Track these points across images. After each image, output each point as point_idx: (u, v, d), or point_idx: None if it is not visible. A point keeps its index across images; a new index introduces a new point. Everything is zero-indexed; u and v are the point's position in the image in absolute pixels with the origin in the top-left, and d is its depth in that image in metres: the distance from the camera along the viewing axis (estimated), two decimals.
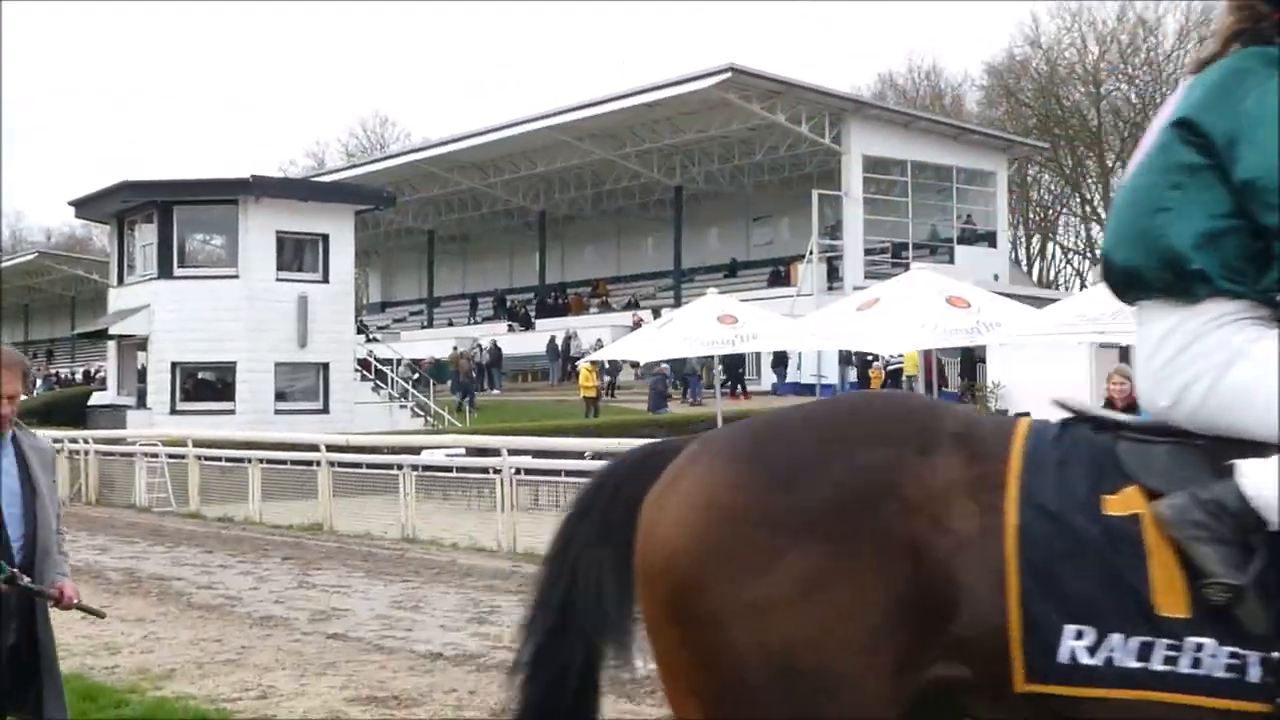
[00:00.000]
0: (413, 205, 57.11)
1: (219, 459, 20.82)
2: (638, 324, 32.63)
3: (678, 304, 39.10)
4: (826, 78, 57.16)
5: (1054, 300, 26.98)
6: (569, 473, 16.26)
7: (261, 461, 19.71)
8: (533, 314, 53.38)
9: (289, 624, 10.72)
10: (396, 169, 53.84)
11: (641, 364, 33.65)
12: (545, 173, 51.66)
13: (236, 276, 32.58)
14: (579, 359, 38.59)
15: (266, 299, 32.35)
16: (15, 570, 4.53)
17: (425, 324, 59.76)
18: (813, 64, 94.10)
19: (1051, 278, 62.56)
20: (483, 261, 62.69)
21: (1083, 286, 49.38)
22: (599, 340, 38.16)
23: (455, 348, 45.34)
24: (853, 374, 36.67)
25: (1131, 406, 11.09)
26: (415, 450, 18.47)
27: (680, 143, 46.66)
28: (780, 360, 37.22)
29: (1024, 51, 58.98)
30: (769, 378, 38.45)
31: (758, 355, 35.40)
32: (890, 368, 34.34)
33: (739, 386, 36.71)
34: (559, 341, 45.19)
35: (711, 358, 26.54)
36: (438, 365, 43.12)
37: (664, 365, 32.92)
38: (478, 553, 15.16)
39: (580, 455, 16.58)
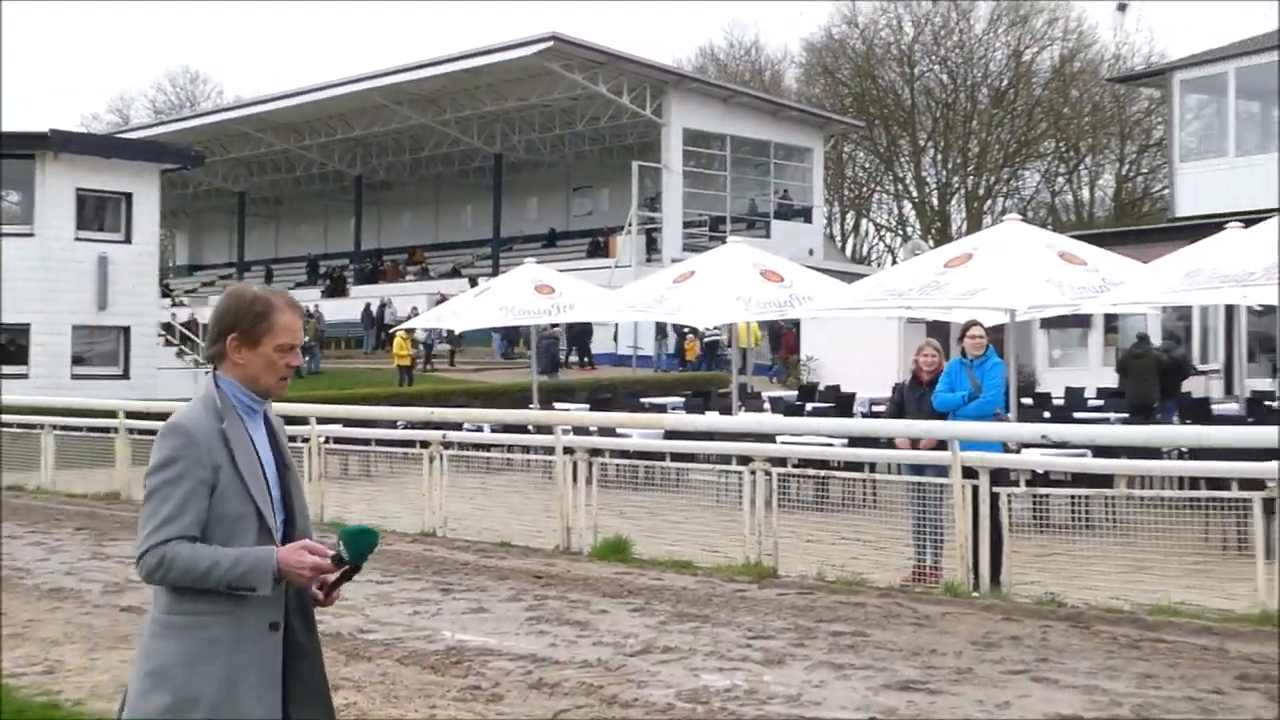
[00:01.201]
0: (223, 166, 55.53)
1: (9, 425, 19.88)
2: (441, 299, 32.37)
3: (495, 273, 38.85)
4: (649, 50, 57.20)
5: (866, 275, 27.50)
6: (380, 442, 16.00)
7: (55, 428, 18.87)
8: (349, 280, 52.39)
9: (80, 596, 10.28)
10: (206, 127, 52.26)
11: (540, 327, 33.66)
12: (362, 136, 50.67)
13: (32, 235, 31.15)
14: (394, 327, 38.00)
15: (64, 259, 30.99)
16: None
17: None
18: (636, 36, 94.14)
19: (865, 253, 63.84)
20: (296, 226, 61.30)
21: (894, 262, 50.52)
22: (414, 308, 37.60)
23: None
24: (670, 345, 36.86)
25: (936, 379, 11.33)
26: None
27: (501, 110, 46.24)
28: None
29: (842, 31, 59.91)
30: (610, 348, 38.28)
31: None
32: (707, 339, 34.59)
33: (585, 358, 36.59)
34: (374, 309, 44.49)
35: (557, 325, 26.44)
36: None
37: (556, 328, 32.90)
38: None
39: (393, 424, 16.31)
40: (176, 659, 3.50)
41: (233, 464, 3.55)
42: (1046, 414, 18.55)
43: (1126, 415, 18.53)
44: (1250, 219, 16.66)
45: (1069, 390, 23.14)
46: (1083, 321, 27.42)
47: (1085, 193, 60.65)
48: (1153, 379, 20.36)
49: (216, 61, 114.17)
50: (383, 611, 9.56)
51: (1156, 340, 22.73)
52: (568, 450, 12.84)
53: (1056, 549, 10.66)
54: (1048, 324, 27.67)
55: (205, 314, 43.37)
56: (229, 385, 3.65)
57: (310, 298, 48.59)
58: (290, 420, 16.80)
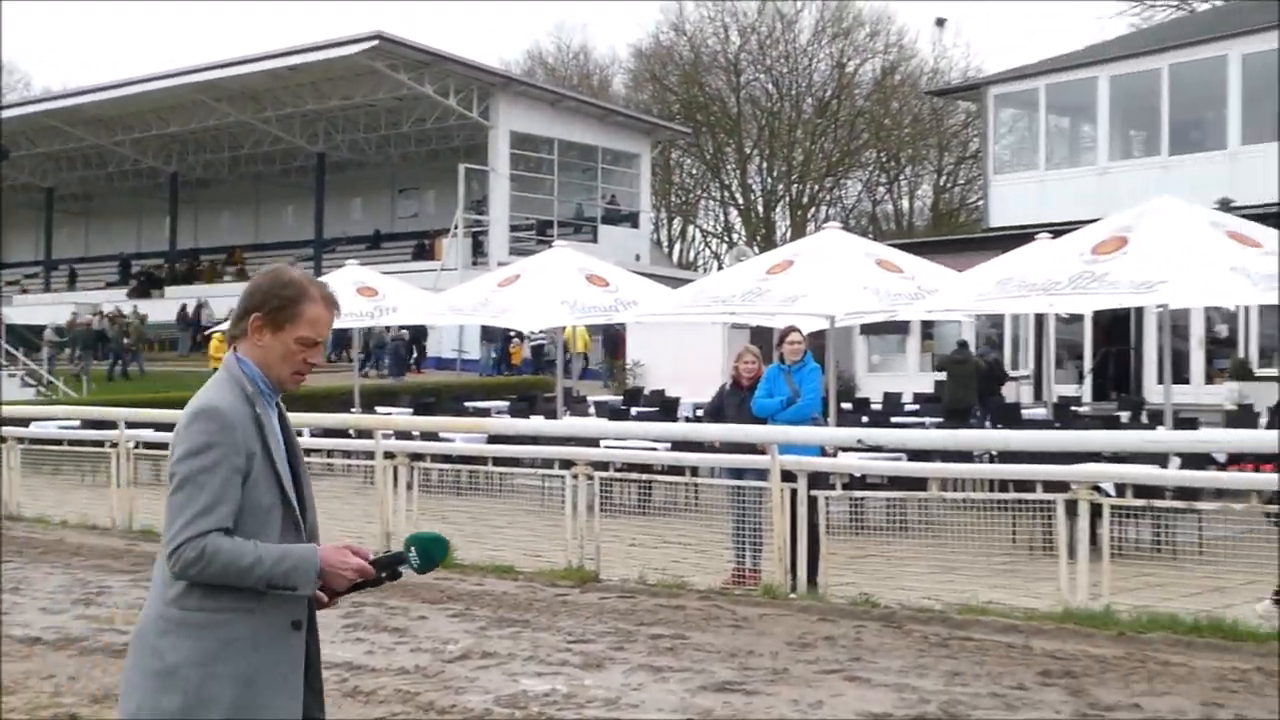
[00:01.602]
0: (30, 160, 53.50)
1: None
2: None
3: (318, 274, 38.05)
4: (477, 52, 56.94)
5: (692, 281, 27.75)
6: None
7: None
8: (163, 280, 50.93)
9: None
10: (12, 120, 50.20)
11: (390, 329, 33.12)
12: (179, 133, 49.31)
13: None
14: (210, 329, 37.04)
15: None
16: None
17: (44, 288, 56.11)
18: (464, 38, 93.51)
19: (691, 259, 64.44)
20: (108, 224, 59.36)
21: (720, 269, 51.12)
22: (232, 310, 36.64)
23: (74, 314, 42.69)
24: (495, 350, 36.68)
25: (756, 384, 11.46)
26: (24, 421, 17.18)
27: (324, 109, 45.48)
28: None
29: (669, 38, 60.41)
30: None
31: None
32: (533, 343, 34.50)
33: (416, 360, 36.14)
34: (190, 310, 43.30)
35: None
36: (97, 334, 39.77)
37: (403, 330, 32.51)
38: (90, 531, 14.26)
39: None
40: (190, 658, 3.25)
41: (265, 452, 3.35)
42: (865, 418, 18.93)
43: (941, 419, 19.01)
44: (1059, 230, 17.27)
45: (887, 395, 23.66)
46: (901, 328, 28.10)
47: (905, 202, 62.24)
48: (971, 384, 20.95)
49: (23, 52, 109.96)
50: None
51: (977, 347, 23.44)
52: (388, 455, 12.65)
53: (872, 551, 10.88)
54: (867, 330, 28.28)
55: (10, 315, 41.74)
56: (250, 368, 3.43)
57: (119, 299, 47.12)
58: (96, 424, 16.26)
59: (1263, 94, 28.93)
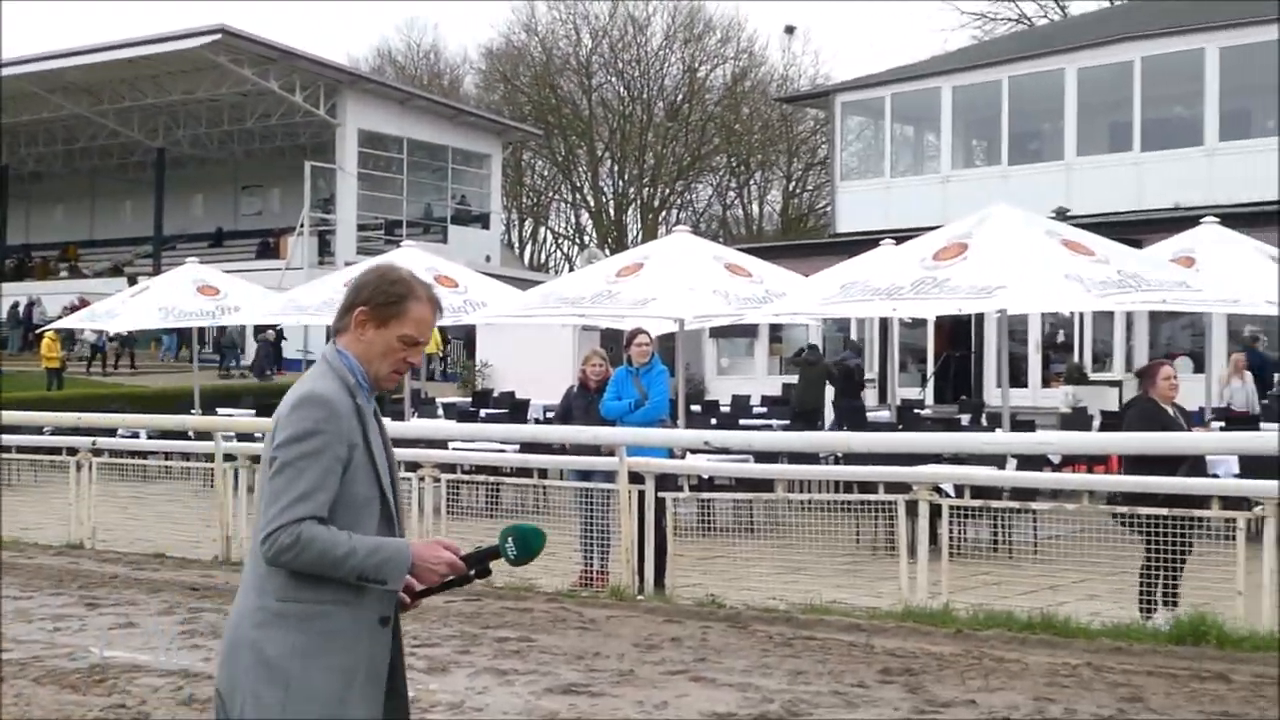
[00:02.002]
0: None
1: None
2: (81, 304, 30.90)
3: (157, 272, 37.11)
4: (325, 49, 55.93)
5: (542, 283, 27.67)
6: (22, 449, 15.04)
7: None
8: None
9: None
10: None
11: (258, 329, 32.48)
12: (10, 125, 47.48)
13: None
14: (41, 327, 35.84)
15: None
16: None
17: None
18: (311, 34, 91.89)
19: (543, 261, 64.31)
20: None
21: (571, 270, 51.08)
22: (65, 308, 35.57)
23: None
24: None
25: (604, 386, 11.46)
26: None
27: (165, 103, 44.27)
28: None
29: (521, 39, 60.23)
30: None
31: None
32: None
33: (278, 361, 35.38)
34: (21, 308, 41.88)
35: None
36: None
37: (269, 330, 32.23)
38: None
39: (39, 430, 15.35)
40: (292, 650, 3.21)
41: (366, 443, 3.31)
42: (713, 420, 19.07)
43: (789, 422, 19.25)
44: (903, 236, 17.63)
45: (735, 398, 23.88)
46: (749, 331, 28.40)
47: (755, 207, 62.92)
48: (821, 386, 21.27)
49: None
50: (20, 629, 8.94)
51: (836, 351, 23.79)
52: (229, 457, 12.37)
53: (719, 552, 10.96)
54: (716, 333, 28.52)
55: None
56: (350, 361, 3.38)
57: None
58: None
59: (1097, 107, 29.94)
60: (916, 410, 21.38)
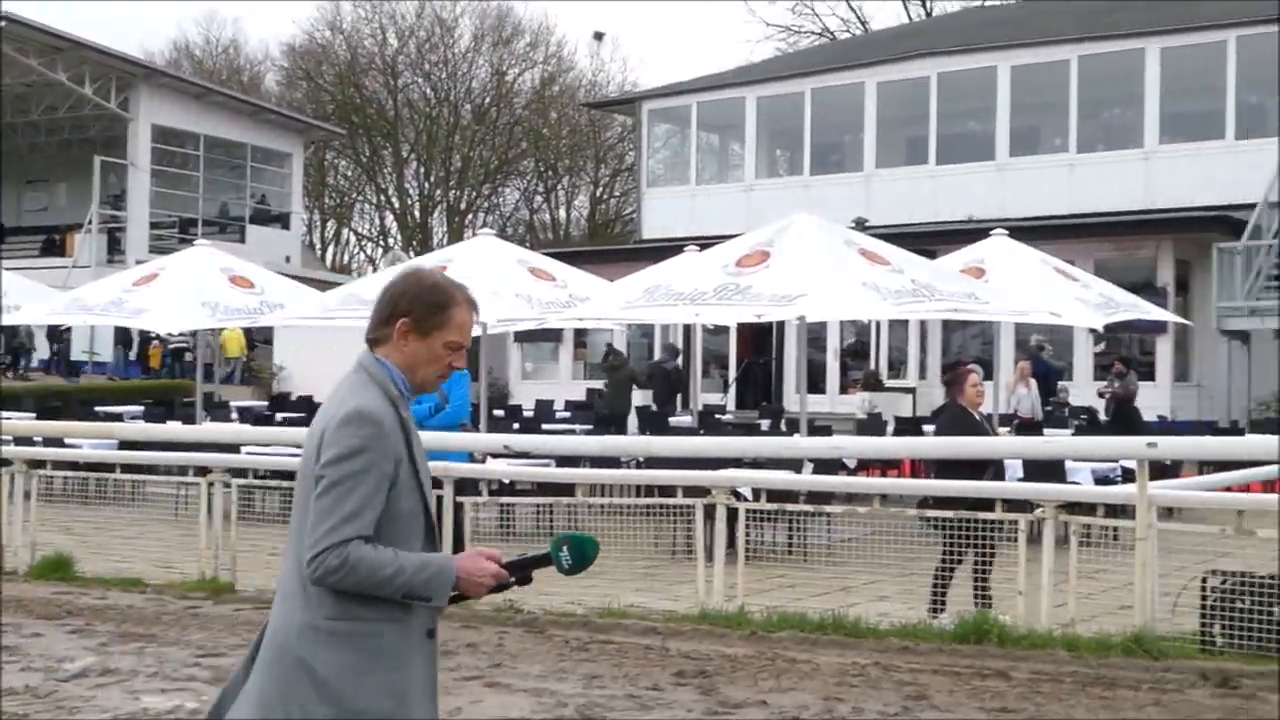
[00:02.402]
0: None
1: None
2: None
3: None
4: (118, 40, 53.75)
5: (343, 285, 27.17)
6: None
7: None
8: None
9: None
10: None
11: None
12: None
13: None
14: None
15: None
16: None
17: None
18: (103, 24, 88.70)
19: (345, 263, 63.23)
20: None
21: (375, 272, 50.32)
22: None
23: None
24: (128, 352, 34.96)
25: None
26: None
27: None
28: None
29: (325, 36, 59.14)
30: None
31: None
32: (173, 346, 33.00)
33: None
34: None
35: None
36: None
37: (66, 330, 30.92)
38: None
39: None
40: (342, 669, 3.18)
41: (410, 457, 3.30)
42: (516, 425, 18.99)
43: (591, 426, 19.27)
44: (707, 243, 17.82)
45: (539, 402, 23.83)
46: (554, 336, 28.37)
47: (562, 212, 62.98)
48: (628, 391, 21.37)
49: None
50: None
51: (642, 358, 23.88)
52: (4, 462, 11.78)
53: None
54: (521, 337, 28.40)
55: None
56: (393, 370, 3.36)
57: None
58: None
59: (896, 121, 30.79)
60: (718, 415, 21.64)
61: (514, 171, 60.60)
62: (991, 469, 9.49)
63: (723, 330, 26.24)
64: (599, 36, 60.03)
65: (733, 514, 9.42)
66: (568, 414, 22.29)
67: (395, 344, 3.37)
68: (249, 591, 10.31)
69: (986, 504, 8.87)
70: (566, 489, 10.81)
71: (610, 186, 59.89)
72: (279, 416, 20.72)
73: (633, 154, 42.91)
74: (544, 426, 19.12)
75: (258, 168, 45.55)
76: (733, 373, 27.88)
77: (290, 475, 11.84)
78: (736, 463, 11.24)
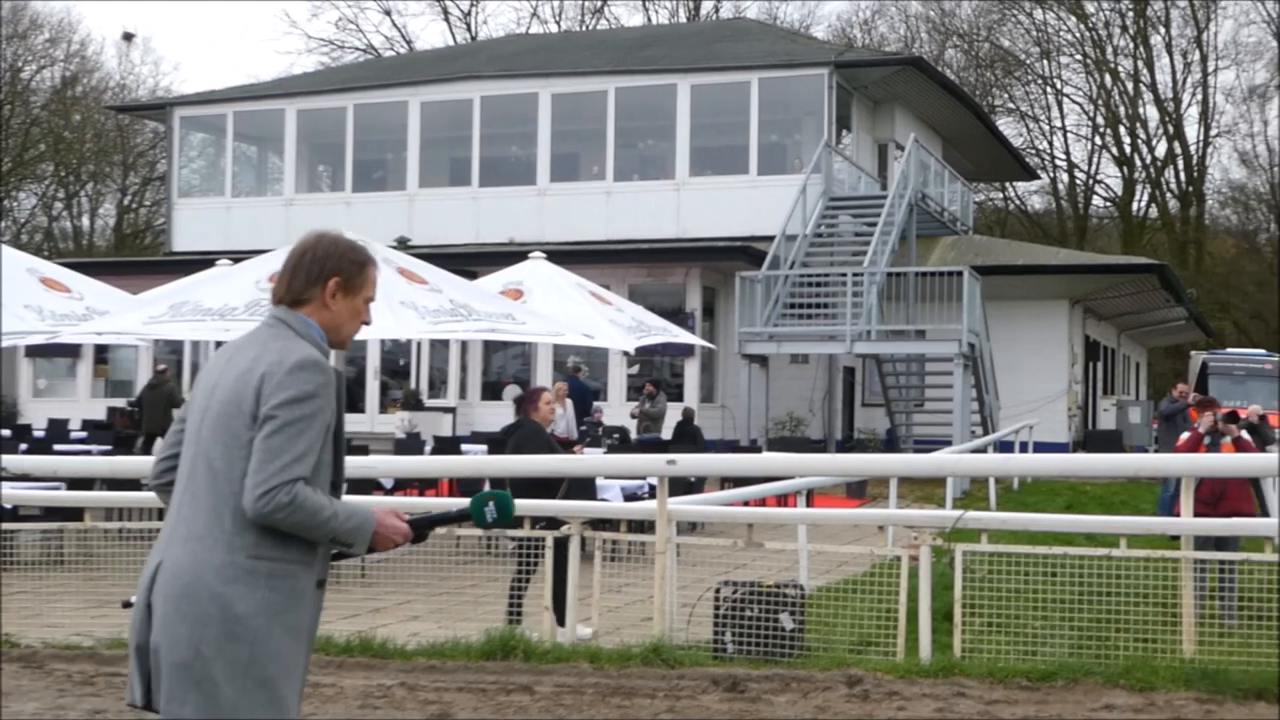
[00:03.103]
0: None
1: None
2: None
3: None
4: None
5: None
6: None
7: None
8: None
9: None
10: None
11: None
12: None
13: None
14: None
15: None
16: None
17: None
18: None
19: None
20: None
21: None
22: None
23: None
24: None
25: None
26: None
27: None
28: None
29: None
30: None
31: None
32: None
33: None
34: None
35: None
36: None
37: None
38: None
39: None
40: (260, 608, 3.28)
41: (338, 410, 3.45)
42: (24, 446, 17.62)
43: (110, 446, 18.18)
44: (242, 257, 17.16)
45: (53, 422, 22.25)
46: (72, 351, 26.59)
47: (85, 221, 59.26)
48: (166, 409, 20.56)
49: None
50: None
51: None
52: None
53: (23, 586, 10.05)
54: (33, 352, 26.47)
55: None
56: (317, 329, 3.52)
57: None
58: None
59: (439, 142, 30.92)
60: None
61: (30, 175, 56.46)
62: (565, 485, 9.56)
63: None
64: (128, 37, 57.10)
65: None
66: (84, 434, 20.90)
67: (323, 303, 3.53)
68: None
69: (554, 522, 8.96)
70: (76, 513, 10.10)
71: (140, 195, 56.93)
72: None
73: (165, 162, 40.99)
74: (56, 447, 17.83)
75: None
76: None
77: None
78: None
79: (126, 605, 3.48)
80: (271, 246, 18.36)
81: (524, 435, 9.93)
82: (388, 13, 70.05)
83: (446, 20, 53.52)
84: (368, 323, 3.64)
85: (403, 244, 23.74)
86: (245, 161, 34.18)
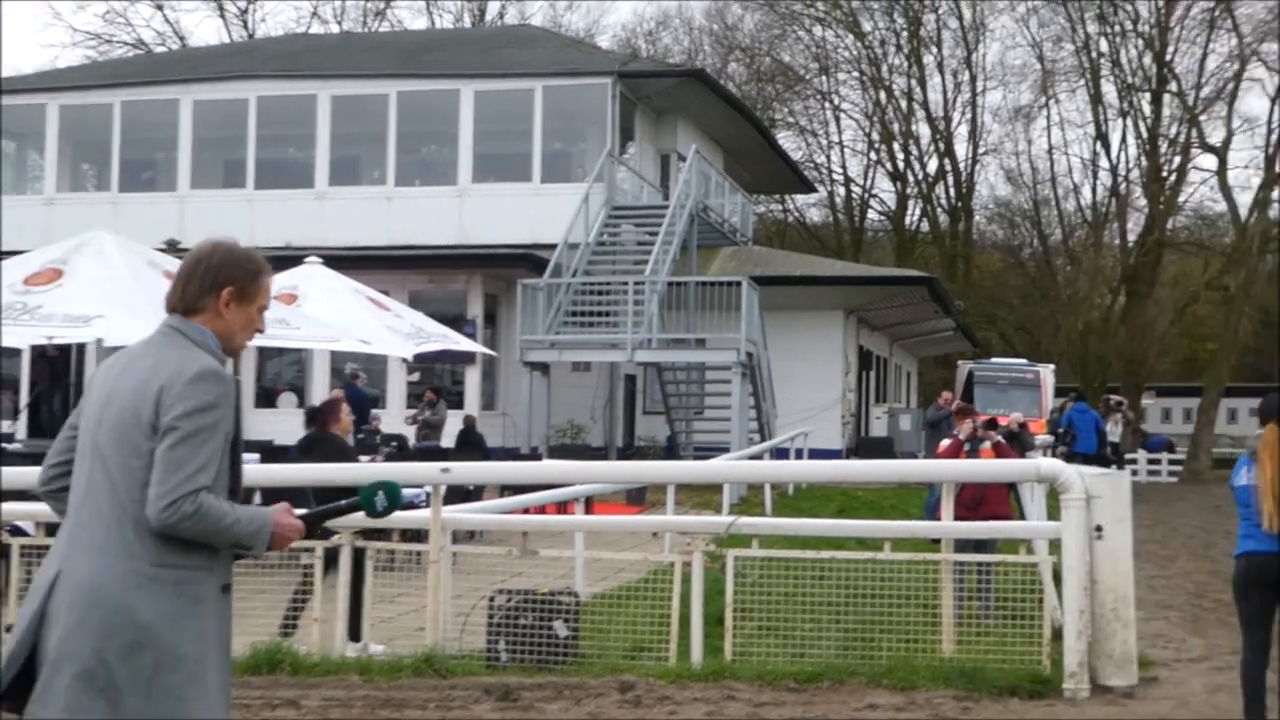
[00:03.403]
0: None
1: None
2: None
3: None
4: None
5: None
6: None
7: None
8: None
9: None
10: None
11: None
12: None
13: None
14: None
15: None
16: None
17: None
18: None
19: None
20: None
21: None
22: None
23: None
24: None
25: None
26: None
27: None
28: None
29: None
30: None
31: None
32: None
33: None
34: None
35: None
36: None
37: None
38: None
39: None
40: (165, 614, 3.31)
41: (235, 419, 3.48)
42: None
43: None
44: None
45: None
46: None
47: None
48: None
49: None
50: None
51: None
52: None
53: None
54: None
55: None
56: (210, 338, 3.55)
57: None
58: None
59: (213, 142, 30.02)
60: (6, 445, 19.91)
61: None
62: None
63: (14, 353, 24.27)
64: None
65: (3, 550, 8.60)
66: None
67: (216, 312, 3.56)
68: None
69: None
70: None
71: None
72: None
73: None
74: None
75: None
76: (24, 398, 25.85)
77: None
78: (22, 495, 10.31)
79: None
80: (32, 247, 17.54)
81: (332, 448, 9.65)
82: (159, 7, 67.73)
83: (223, 17, 52.03)
84: (261, 331, 3.68)
85: (172, 246, 22.91)
86: (4, 158, 32.60)
